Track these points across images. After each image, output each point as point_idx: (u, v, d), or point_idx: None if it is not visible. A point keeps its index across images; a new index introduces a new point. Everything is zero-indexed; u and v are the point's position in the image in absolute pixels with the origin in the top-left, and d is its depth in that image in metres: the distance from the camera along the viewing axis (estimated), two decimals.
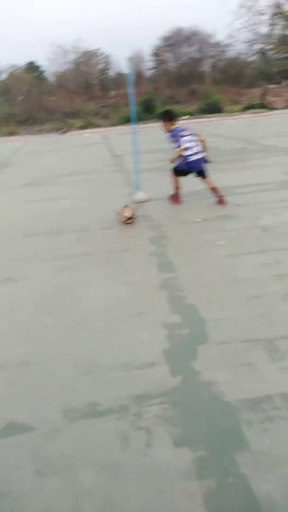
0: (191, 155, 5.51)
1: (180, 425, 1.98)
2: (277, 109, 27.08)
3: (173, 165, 5.73)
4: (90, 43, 51.33)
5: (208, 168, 5.72)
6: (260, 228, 4.62)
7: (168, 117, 5.79)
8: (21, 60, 40.81)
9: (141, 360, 2.48)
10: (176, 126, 5.69)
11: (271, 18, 31.11)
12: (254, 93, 30.72)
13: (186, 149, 5.49)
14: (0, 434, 2.05)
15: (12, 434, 2.05)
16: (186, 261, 3.91)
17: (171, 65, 38.41)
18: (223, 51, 37.33)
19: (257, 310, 2.93)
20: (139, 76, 32.16)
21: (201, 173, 5.66)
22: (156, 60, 38.78)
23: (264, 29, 36.05)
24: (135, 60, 34.41)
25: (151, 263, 3.94)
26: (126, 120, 23.72)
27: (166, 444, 1.89)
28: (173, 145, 5.60)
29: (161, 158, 9.51)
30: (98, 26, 47.59)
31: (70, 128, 25.12)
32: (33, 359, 2.63)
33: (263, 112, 26.19)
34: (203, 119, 23.82)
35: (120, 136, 17.54)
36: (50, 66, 37.74)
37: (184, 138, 5.53)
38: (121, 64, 37.39)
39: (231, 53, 36.81)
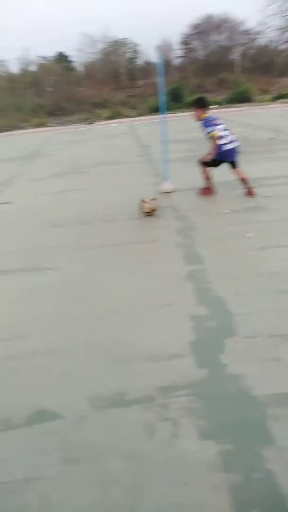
0: (226, 143, 5.36)
1: (206, 418, 1.98)
2: None
3: (208, 157, 5.52)
4: (119, 32, 50.93)
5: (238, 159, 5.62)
6: None
7: (201, 104, 5.61)
8: (50, 51, 41.01)
9: (168, 351, 2.48)
10: (208, 114, 5.53)
11: None
12: (285, 82, 29.93)
13: (221, 137, 5.33)
14: (29, 421, 2.10)
15: (40, 421, 2.09)
16: (213, 253, 3.88)
17: (200, 53, 37.81)
18: (254, 39, 36.49)
19: (285, 305, 2.88)
20: (167, 64, 31.81)
21: (232, 163, 5.52)
22: (185, 48, 38.24)
23: None
24: (164, 48, 34.01)
25: (178, 254, 3.93)
26: (153, 110, 23.58)
27: (192, 436, 1.89)
28: (207, 129, 5.38)
29: (188, 148, 9.43)
30: (127, 14, 47.23)
31: (97, 118, 25.16)
32: (62, 347, 2.67)
33: None
34: (232, 109, 23.42)
35: (147, 126, 17.45)
36: (79, 56, 37.78)
37: (219, 127, 5.37)
38: (149, 53, 37.04)
39: (262, 40, 35.96)
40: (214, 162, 5.55)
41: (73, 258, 4.13)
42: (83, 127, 21.95)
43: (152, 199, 5.18)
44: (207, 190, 5.81)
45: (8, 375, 2.48)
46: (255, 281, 3.26)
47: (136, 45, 37.87)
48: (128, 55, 38.14)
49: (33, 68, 35.64)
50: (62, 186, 7.63)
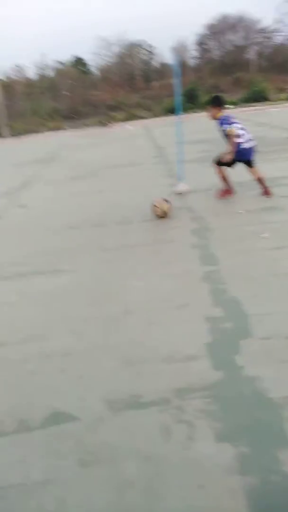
0: (243, 142, 5.26)
1: (222, 420, 1.96)
2: None
3: (227, 157, 5.36)
4: (134, 35, 51.14)
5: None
6: None
7: (217, 102, 5.48)
8: (67, 55, 41.41)
9: (183, 353, 2.47)
10: (224, 113, 5.41)
11: None
12: None
13: (238, 136, 5.23)
14: (45, 423, 2.11)
15: (57, 423, 2.11)
16: (229, 254, 3.85)
17: (215, 53, 37.65)
18: (270, 38, 36.14)
19: None
20: (183, 65, 31.76)
21: (249, 162, 5.42)
22: (200, 49, 38.14)
23: None
24: (179, 49, 34.00)
25: (193, 255, 3.91)
26: (168, 111, 23.61)
27: (208, 438, 1.88)
28: (225, 127, 5.25)
29: (203, 149, 9.40)
30: (142, 16, 47.36)
31: (113, 120, 25.27)
32: (78, 349, 2.69)
33: None
34: (248, 108, 23.23)
35: (162, 128, 17.44)
36: (95, 60, 38.07)
37: (235, 125, 5.27)
38: (164, 54, 37.08)
39: (278, 39, 35.59)
40: (230, 161, 5.43)
41: (89, 260, 4.16)
42: (98, 130, 22.07)
43: (164, 200, 5.17)
44: (226, 192, 5.70)
45: (24, 376, 2.50)
46: (270, 282, 3.22)
47: (151, 47, 37.98)
48: (143, 57, 38.24)
49: (49, 73, 36.09)
50: (78, 188, 7.69)
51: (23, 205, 6.90)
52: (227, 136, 5.29)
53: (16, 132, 25.06)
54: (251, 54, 36.41)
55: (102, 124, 24.25)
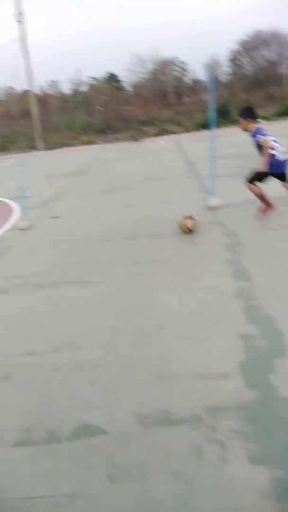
0: (277, 155, 5.08)
1: (257, 442, 1.89)
2: None
3: (258, 169, 5.21)
4: (167, 51, 51.88)
5: None
6: None
7: (250, 114, 5.31)
8: (101, 71, 42.39)
9: (216, 371, 2.42)
10: (256, 125, 5.25)
11: None
12: None
13: (272, 148, 5.06)
14: (74, 435, 2.10)
15: (86, 435, 2.09)
16: (263, 270, 3.77)
17: (248, 69, 37.65)
18: None
19: None
20: (215, 81, 31.91)
21: (282, 176, 5.24)
22: (233, 65, 38.24)
23: None
24: (212, 66, 34.21)
25: (226, 271, 3.85)
26: (200, 127, 23.66)
27: (242, 460, 1.81)
28: (258, 137, 5.09)
29: (235, 163, 9.34)
30: (176, 33, 47.99)
31: (144, 135, 25.54)
32: (108, 361, 2.67)
33: None
34: (281, 123, 23.00)
35: (193, 143, 17.49)
36: (128, 76, 38.70)
37: (269, 137, 5.12)
38: (196, 71, 37.41)
39: None
40: (263, 174, 5.26)
41: (120, 272, 4.16)
42: (130, 144, 22.34)
43: (188, 217, 5.13)
44: (267, 208, 5.49)
45: (54, 386, 2.51)
46: None
47: (183, 63, 38.37)
48: (175, 74, 38.66)
49: (84, 88, 36.96)
50: (109, 201, 7.76)
51: (56, 216, 7.01)
52: (260, 147, 5.15)
53: (50, 145, 25.68)
54: (284, 69, 36.22)
55: (134, 138, 24.53)
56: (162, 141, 21.28)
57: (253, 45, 37.10)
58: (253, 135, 5.19)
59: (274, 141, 5.13)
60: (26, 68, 25.33)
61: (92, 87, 36.13)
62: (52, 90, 36.66)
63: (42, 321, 3.37)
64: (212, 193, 6.33)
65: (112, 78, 38.19)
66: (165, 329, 2.96)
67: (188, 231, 5.08)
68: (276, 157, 5.07)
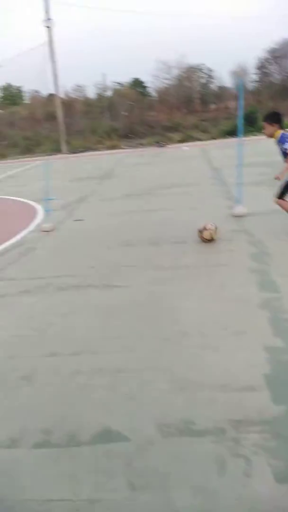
0: None
1: (283, 459, 1.83)
2: None
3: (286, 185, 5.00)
4: (194, 57, 51.86)
5: None
6: None
7: (275, 119, 5.09)
8: (126, 77, 42.73)
9: (240, 383, 2.36)
10: (282, 131, 5.01)
11: None
12: None
13: None
14: (94, 440, 2.08)
15: (106, 441, 2.06)
16: None
17: (276, 77, 37.35)
18: None
19: None
20: (243, 89, 31.73)
21: None
22: (260, 72, 38.01)
23: None
24: (239, 73, 34.09)
25: (251, 280, 3.79)
26: (225, 134, 23.53)
27: (267, 477, 1.76)
28: (285, 145, 4.88)
29: (261, 171, 9.23)
30: (202, 39, 47.91)
31: (169, 141, 25.53)
32: (129, 367, 2.65)
33: None
34: None
35: (218, 149, 17.40)
36: (154, 82, 38.85)
37: None
38: (223, 77, 37.29)
39: None
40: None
41: (142, 277, 4.14)
42: (154, 150, 22.38)
43: (204, 228, 5.07)
44: None
45: (75, 389, 2.49)
46: None
47: (210, 70, 38.33)
48: (201, 80, 38.62)
49: (109, 93, 37.28)
50: (133, 206, 7.76)
51: (79, 219, 7.05)
52: (286, 154, 4.93)
53: (74, 149, 25.93)
54: None
55: (159, 144, 24.56)
56: (187, 147, 21.23)
57: (281, 53, 36.82)
58: (281, 141, 4.95)
59: None
60: (52, 72, 25.63)
61: (117, 92, 36.41)
62: (77, 94, 37.12)
63: (64, 323, 3.37)
64: (238, 201, 6.26)
65: (137, 83, 38.44)
66: (188, 337, 2.92)
67: (207, 241, 5.03)
68: None
